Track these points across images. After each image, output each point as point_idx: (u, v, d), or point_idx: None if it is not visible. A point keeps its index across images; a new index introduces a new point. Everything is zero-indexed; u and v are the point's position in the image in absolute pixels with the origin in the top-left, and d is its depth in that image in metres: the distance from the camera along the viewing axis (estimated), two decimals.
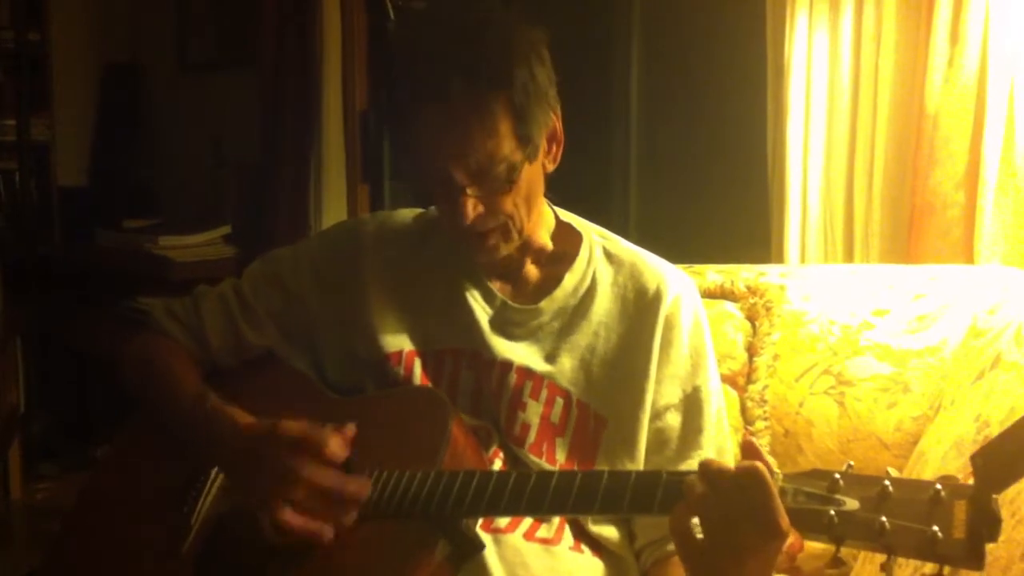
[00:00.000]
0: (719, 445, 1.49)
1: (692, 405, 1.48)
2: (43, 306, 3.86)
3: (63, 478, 3.72)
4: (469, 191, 1.39)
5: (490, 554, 1.33)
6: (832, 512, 1.03)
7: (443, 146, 1.37)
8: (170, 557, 1.40)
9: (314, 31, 3.38)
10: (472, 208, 1.39)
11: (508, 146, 1.38)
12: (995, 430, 1.45)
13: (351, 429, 1.35)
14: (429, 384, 1.47)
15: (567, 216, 1.61)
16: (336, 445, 1.32)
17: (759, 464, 1.07)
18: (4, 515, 3.64)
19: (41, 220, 4.05)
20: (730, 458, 1.54)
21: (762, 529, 1.06)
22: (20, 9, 3.97)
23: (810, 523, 1.05)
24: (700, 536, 1.11)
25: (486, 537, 1.33)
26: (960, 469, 1.44)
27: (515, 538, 1.37)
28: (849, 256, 2.35)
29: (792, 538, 1.66)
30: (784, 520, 1.06)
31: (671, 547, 1.40)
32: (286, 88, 3.48)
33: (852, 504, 1.03)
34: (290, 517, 1.28)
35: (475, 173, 1.38)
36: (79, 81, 4.22)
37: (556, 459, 1.44)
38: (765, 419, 1.77)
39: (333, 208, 3.43)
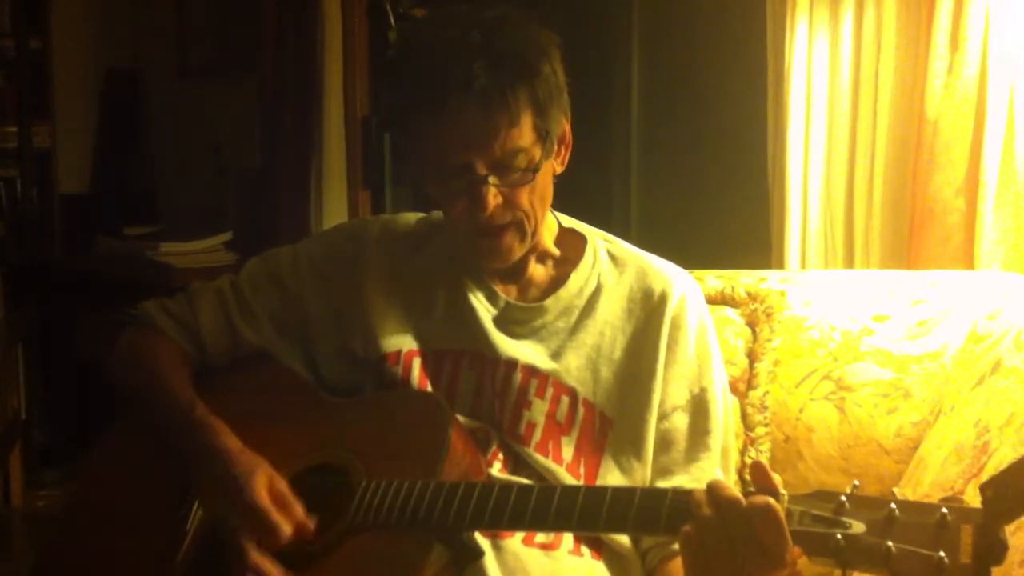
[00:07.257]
0: (725, 445, 1.50)
1: (699, 406, 1.49)
2: (44, 313, 3.86)
3: (64, 485, 3.71)
4: (491, 180, 1.38)
5: (489, 560, 1.32)
6: (839, 535, 1.03)
7: (467, 135, 1.36)
8: (165, 563, 1.39)
9: (314, 36, 3.38)
10: (492, 198, 1.38)
11: (529, 138, 1.39)
12: (995, 435, 1.45)
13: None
14: (428, 384, 1.47)
15: (570, 221, 1.61)
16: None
17: (772, 503, 1.07)
18: (5, 522, 3.63)
19: (42, 227, 4.04)
20: (733, 460, 1.55)
21: (768, 563, 1.07)
22: (21, 17, 3.97)
23: (817, 546, 1.05)
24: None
25: (485, 543, 1.33)
26: (960, 474, 1.44)
27: (514, 543, 1.36)
28: (849, 262, 2.35)
29: None
30: (790, 554, 1.06)
31: (676, 546, 1.40)
32: (286, 93, 3.47)
33: (859, 527, 1.03)
34: (254, 555, 1.31)
35: (498, 162, 1.38)
36: (80, 88, 4.21)
37: (562, 458, 1.43)
38: (765, 425, 1.77)
39: (334, 214, 3.42)
